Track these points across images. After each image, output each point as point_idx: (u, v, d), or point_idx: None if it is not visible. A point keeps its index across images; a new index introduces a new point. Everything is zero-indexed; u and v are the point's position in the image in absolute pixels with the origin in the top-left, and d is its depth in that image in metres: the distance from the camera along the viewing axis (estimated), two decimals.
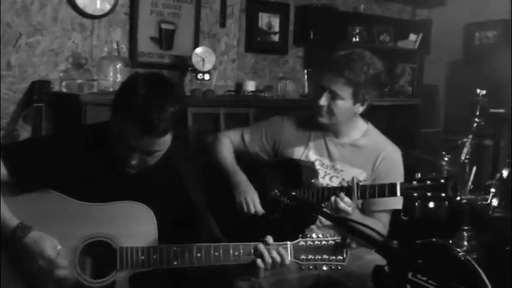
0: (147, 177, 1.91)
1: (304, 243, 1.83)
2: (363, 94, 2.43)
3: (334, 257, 1.82)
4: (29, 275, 1.74)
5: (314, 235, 1.84)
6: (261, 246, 1.80)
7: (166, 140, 1.76)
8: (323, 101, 2.44)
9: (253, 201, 2.45)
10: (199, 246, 1.79)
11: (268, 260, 1.79)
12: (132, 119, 1.69)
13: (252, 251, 1.81)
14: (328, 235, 1.84)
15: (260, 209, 2.45)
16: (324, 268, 1.83)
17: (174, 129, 1.75)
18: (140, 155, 1.78)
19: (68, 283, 1.74)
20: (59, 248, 1.72)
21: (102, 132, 1.88)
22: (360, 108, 2.49)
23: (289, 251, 1.82)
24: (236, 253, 1.80)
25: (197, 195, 1.98)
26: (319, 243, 1.83)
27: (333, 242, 1.82)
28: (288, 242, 1.83)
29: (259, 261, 1.79)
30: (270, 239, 1.82)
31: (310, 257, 1.82)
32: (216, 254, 1.79)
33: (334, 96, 2.43)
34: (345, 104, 2.44)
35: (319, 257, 1.82)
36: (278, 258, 1.79)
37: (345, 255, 1.82)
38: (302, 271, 1.91)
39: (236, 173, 2.56)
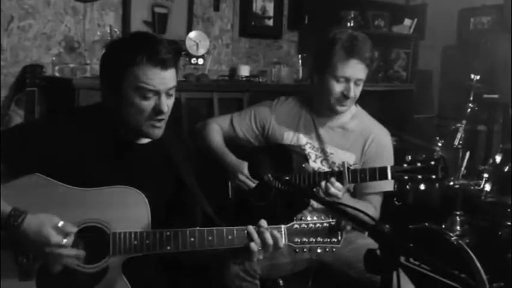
0: (140, 161, 1.91)
1: (298, 227, 1.82)
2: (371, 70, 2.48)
3: (328, 239, 1.81)
4: (28, 263, 1.73)
5: (309, 218, 1.83)
6: (251, 228, 1.79)
7: (175, 76, 1.84)
8: (353, 93, 2.42)
9: (247, 177, 2.45)
10: (192, 230, 1.78)
11: (258, 241, 1.78)
12: (146, 59, 1.74)
13: (246, 234, 1.80)
14: (322, 217, 1.84)
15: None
16: (318, 251, 1.82)
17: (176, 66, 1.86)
18: (164, 100, 1.80)
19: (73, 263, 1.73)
20: (60, 224, 1.69)
21: (96, 114, 1.88)
22: None
23: (283, 235, 1.81)
24: (230, 237, 1.79)
25: (189, 177, 1.97)
26: (313, 226, 1.82)
27: (327, 225, 1.81)
28: (282, 226, 1.82)
29: (252, 244, 1.77)
30: (264, 222, 1.82)
31: (304, 239, 1.81)
32: (210, 238, 1.78)
33: (357, 83, 2.43)
34: (362, 85, 2.47)
35: (314, 240, 1.81)
36: (270, 241, 1.78)
37: (339, 238, 1.82)
38: (295, 254, 1.91)
39: (226, 155, 2.57)
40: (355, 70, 2.40)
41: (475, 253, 2.79)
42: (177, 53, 1.88)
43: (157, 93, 1.78)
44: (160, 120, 1.83)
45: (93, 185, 1.78)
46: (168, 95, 1.82)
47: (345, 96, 2.43)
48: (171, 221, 1.85)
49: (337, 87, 2.43)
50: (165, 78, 1.78)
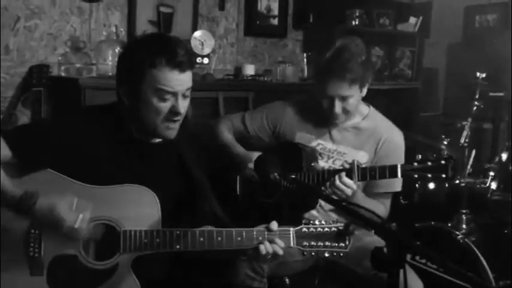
0: (152, 160, 1.93)
1: (306, 230, 1.83)
2: (365, 81, 2.46)
3: (336, 244, 1.82)
4: (40, 258, 1.75)
5: (317, 222, 1.84)
6: (267, 244, 1.80)
7: (191, 77, 1.88)
8: (338, 109, 2.44)
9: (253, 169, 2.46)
10: (202, 230, 1.80)
11: (269, 250, 1.79)
12: (165, 62, 1.78)
13: (255, 235, 1.81)
14: (331, 222, 1.84)
15: None
16: (326, 255, 1.83)
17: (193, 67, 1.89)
18: (180, 102, 1.84)
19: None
20: (75, 203, 1.72)
21: (110, 113, 1.91)
22: (364, 92, 2.50)
23: (291, 237, 1.82)
24: (239, 238, 1.80)
25: (200, 177, 1.99)
26: (321, 230, 1.83)
27: (335, 229, 1.82)
28: (291, 229, 1.83)
29: (262, 247, 1.79)
30: (274, 225, 1.83)
31: (312, 243, 1.82)
32: (219, 238, 1.79)
33: (345, 99, 2.43)
34: (355, 98, 2.45)
35: (322, 244, 1.82)
36: (280, 252, 1.81)
37: (347, 243, 1.83)
38: (304, 256, 1.91)
39: (234, 146, 2.61)
40: (336, 88, 2.40)
41: (482, 251, 2.79)
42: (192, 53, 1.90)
43: (174, 94, 1.82)
44: (175, 121, 1.87)
45: (105, 182, 1.81)
46: (184, 96, 1.86)
47: (332, 112, 2.45)
48: (181, 220, 1.87)
49: (325, 104, 2.46)
50: (182, 80, 1.82)
